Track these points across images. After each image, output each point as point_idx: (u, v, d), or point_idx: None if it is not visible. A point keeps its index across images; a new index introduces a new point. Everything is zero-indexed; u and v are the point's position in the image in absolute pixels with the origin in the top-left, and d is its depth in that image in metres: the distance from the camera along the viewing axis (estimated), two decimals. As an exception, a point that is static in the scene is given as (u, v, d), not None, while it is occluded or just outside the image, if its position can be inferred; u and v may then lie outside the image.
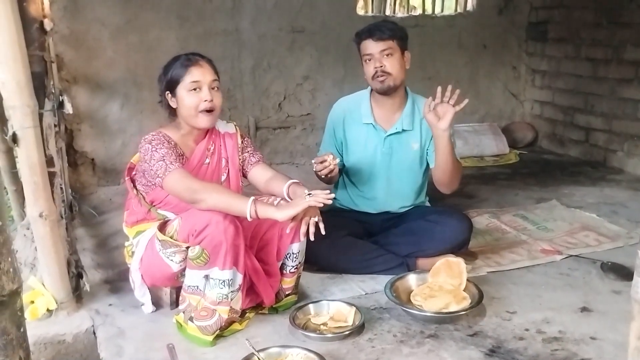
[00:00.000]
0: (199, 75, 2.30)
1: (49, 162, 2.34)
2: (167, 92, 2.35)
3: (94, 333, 2.36)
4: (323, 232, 2.22)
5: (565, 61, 5.07)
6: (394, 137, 2.86)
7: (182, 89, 2.31)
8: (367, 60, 2.76)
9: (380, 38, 2.71)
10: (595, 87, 4.77)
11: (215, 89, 2.34)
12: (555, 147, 5.24)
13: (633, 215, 3.57)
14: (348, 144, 2.92)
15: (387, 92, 2.78)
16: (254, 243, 2.38)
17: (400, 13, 5.26)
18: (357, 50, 2.82)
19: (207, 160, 2.44)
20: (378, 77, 2.73)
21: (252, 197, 2.16)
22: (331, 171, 2.55)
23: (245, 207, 2.12)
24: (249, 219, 2.14)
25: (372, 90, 2.89)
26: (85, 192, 4.08)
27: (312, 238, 2.23)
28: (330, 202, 2.17)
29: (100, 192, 4.11)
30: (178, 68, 2.31)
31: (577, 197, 3.95)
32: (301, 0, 4.59)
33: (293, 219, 2.18)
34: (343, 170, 2.95)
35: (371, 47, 2.73)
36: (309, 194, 2.16)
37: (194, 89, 2.30)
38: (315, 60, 4.74)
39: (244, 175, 2.53)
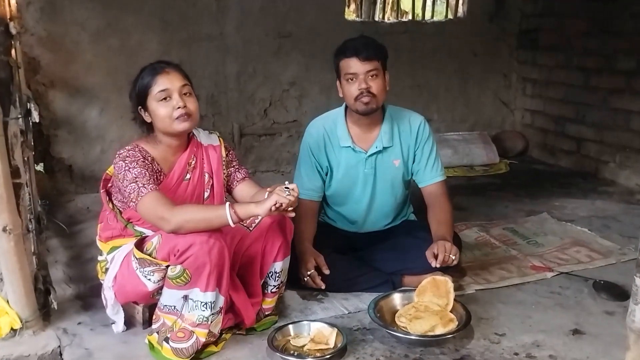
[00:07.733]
0: (166, 83, 2.19)
1: (15, 173, 2.21)
2: (139, 107, 2.25)
3: (61, 354, 2.24)
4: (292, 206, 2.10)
5: (556, 70, 4.99)
6: (376, 156, 2.74)
7: (152, 101, 2.21)
8: (350, 80, 2.58)
9: (367, 58, 2.55)
10: (587, 96, 4.69)
11: (187, 94, 2.24)
12: (546, 157, 5.16)
13: (625, 229, 3.48)
14: (332, 168, 2.78)
15: (367, 114, 2.65)
16: (236, 259, 2.28)
17: (390, 18, 5.19)
18: (335, 68, 2.66)
19: (188, 176, 2.32)
20: (363, 98, 2.57)
21: (227, 203, 2.07)
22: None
23: (225, 215, 2.03)
24: (232, 224, 2.05)
25: (346, 109, 2.75)
26: (62, 200, 3.95)
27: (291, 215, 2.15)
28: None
29: (78, 200, 3.97)
30: (144, 80, 2.21)
31: (568, 209, 3.86)
32: (288, 5, 4.49)
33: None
34: (325, 196, 2.84)
35: (356, 66, 2.55)
36: (286, 187, 2.09)
37: (164, 99, 2.19)
38: (302, 66, 4.63)
39: (229, 191, 2.43)
